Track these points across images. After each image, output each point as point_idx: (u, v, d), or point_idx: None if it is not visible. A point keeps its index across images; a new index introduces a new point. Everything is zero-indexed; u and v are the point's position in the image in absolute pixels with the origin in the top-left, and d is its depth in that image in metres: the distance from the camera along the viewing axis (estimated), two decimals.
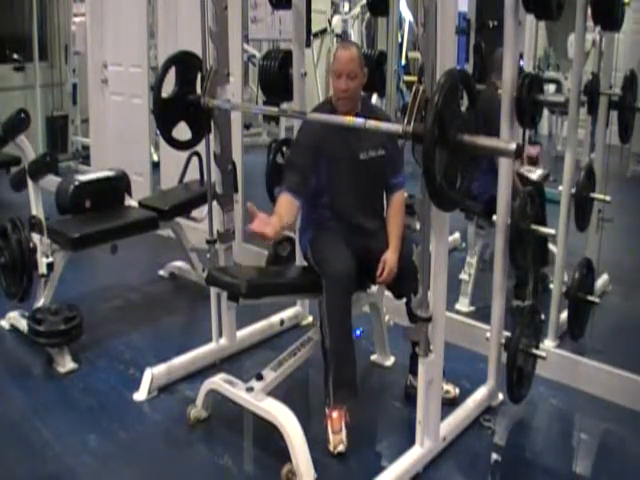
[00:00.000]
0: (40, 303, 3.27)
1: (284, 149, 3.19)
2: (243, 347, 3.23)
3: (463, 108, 2.03)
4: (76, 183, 3.55)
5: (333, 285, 2.51)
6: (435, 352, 2.29)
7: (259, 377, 2.55)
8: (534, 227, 2.66)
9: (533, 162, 3.63)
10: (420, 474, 2.37)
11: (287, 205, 2.54)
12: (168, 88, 2.80)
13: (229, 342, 3.14)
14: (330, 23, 6.43)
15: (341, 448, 2.45)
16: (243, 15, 4.13)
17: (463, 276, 3.63)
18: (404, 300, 2.63)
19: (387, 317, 3.04)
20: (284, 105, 3.33)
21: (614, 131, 3.30)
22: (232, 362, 3.12)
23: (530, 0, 2.43)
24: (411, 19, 6.21)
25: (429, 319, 2.23)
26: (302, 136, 2.75)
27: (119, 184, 3.79)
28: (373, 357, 3.16)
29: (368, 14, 5.73)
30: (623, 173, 5.67)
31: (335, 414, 2.49)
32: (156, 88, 2.77)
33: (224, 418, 2.68)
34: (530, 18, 3.05)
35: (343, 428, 2.48)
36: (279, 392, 2.57)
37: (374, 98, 4.27)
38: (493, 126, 2.56)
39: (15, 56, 6.85)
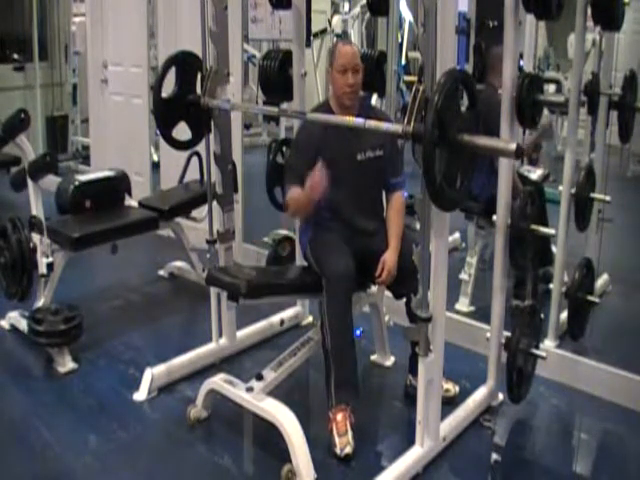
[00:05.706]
0: (40, 303, 3.27)
1: (284, 149, 3.19)
2: (243, 347, 3.22)
3: (463, 108, 2.03)
4: (76, 183, 3.55)
5: (333, 285, 2.51)
6: (435, 352, 2.29)
7: (259, 377, 2.55)
8: (534, 227, 2.66)
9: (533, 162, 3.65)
10: (420, 474, 2.37)
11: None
12: (168, 88, 2.79)
13: (229, 342, 3.14)
14: (330, 23, 6.45)
15: (348, 450, 2.44)
16: (243, 15, 4.13)
17: (463, 276, 3.63)
18: (404, 300, 2.63)
19: (387, 317, 3.04)
20: (284, 105, 3.33)
21: (614, 131, 3.30)
22: (232, 362, 3.12)
23: (530, 0, 2.43)
24: (411, 19, 6.22)
25: (429, 319, 2.23)
26: (301, 138, 2.75)
27: (119, 184, 3.79)
28: (373, 357, 3.15)
29: (368, 14, 5.74)
30: (623, 173, 5.67)
31: (339, 416, 2.47)
32: (156, 88, 2.77)
33: (224, 418, 2.68)
34: (530, 18, 3.06)
35: (349, 429, 2.47)
36: (279, 392, 2.57)
37: (374, 98, 4.27)
38: (493, 126, 2.56)
39: (15, 56, 6.86)
